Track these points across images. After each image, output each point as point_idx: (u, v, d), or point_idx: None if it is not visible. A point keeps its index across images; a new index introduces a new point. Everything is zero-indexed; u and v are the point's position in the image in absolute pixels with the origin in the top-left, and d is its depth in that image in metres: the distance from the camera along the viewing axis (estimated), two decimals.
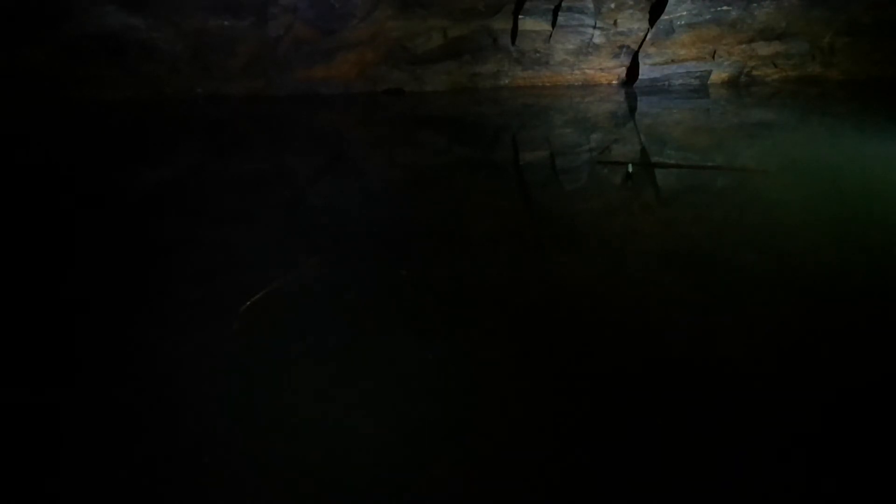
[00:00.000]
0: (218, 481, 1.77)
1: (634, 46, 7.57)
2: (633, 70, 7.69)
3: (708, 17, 7.30)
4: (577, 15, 7.35)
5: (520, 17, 7.37)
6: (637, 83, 7.60)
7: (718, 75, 7.65)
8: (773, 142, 5.41)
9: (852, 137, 5.30)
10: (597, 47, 7.59)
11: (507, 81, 7.82)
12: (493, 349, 2.36)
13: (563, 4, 7.28)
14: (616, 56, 7.69)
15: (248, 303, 2.65)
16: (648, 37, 7.41)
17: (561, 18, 7.36)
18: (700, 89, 7.57)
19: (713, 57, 7.57)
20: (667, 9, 7.19)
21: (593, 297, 2.78)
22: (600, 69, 7.79)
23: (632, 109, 6.95)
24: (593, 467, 1.79)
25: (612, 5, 7.34)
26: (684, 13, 7.27)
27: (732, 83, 7.69)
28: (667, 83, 7.60)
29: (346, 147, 6.05)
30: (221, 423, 2.00)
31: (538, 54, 7.65)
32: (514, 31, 7.47)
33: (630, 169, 4.43)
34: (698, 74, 7.62)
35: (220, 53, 7.13)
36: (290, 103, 7.25)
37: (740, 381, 2.15)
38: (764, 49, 7.56)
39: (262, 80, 7.34)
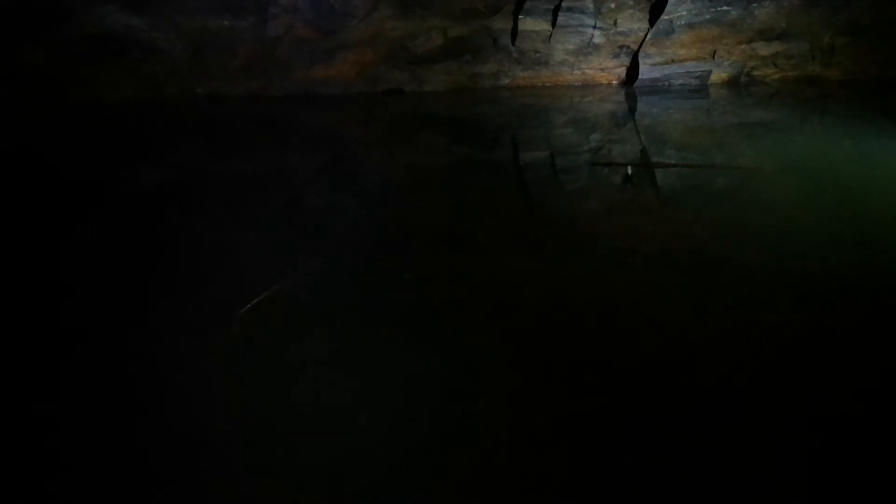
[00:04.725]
0: (218, 484, 1.77)
1: (634, 46, 7.57)
2: (633, 70, 7.68)
3: (708, 17, 7.30)
4: (577, 15, 7.35)
5: (520, 17, 7.36)
6: (637, 83, 7.60)
7: (718, 75, 7.65)
8: (772, 142, 5.41)
9: (852, 137, 5.30)
10: (597, 47, 7.59)
11: (507, 81, 7.81)
12: (494, 349, 2.37)
13: (563, 4, 7.28)
14: (616, 56, 7.69)
15: (249, 305, 2.65)
16: (648, 37, 7.40)
17: (561, 18, 7.35)
18: (700, 89, 7.57)
19: (713, 57, 7.56)
20: (667, 9, 7.19)
21: (594, 296, 2.78)
22: (600, 69, 7.79)
23: (631, 109, 6.95)
24: (594, 467, 1.79)
25: (612, 5, 7.34)
26: (684, 13, 7.27)
27: (732, 83, 7.69)
28: (667, 83, 7.60)
29: (346, 147, 6.05)
30: (222, 425, 2.00)
31: (538, 54, 7.64)
32: (514, 31, 7.47)
33: (629, 171, 4.44)
34: (698, 74, 7.62)
35: (220, 53, 7.13)
36: (290, 103, 7.25)
37: (740, 381, 2.15)
38: (764, 49, 7.56)
39: (262, 80, 7.34)
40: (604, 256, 3.19)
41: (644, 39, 7.45)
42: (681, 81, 7.62)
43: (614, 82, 7.86)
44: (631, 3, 7.35)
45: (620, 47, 7.62)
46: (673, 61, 7.56)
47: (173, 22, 6.88)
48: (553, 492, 1.72)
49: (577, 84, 7.85)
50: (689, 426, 1.95)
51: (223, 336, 2.47)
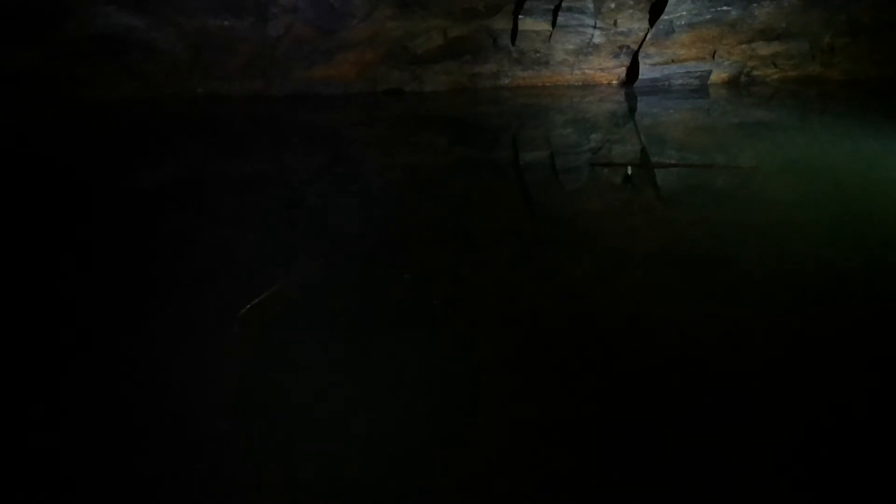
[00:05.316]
0: (217, 485, 1.77)
1: (634, 46, 7.57)
2: (633, 70, 7.68)
3: (708, 17, 7.30)
4: (577, 15, 7.35)
5: (520, 17, 7.36)
6: (637, 83, 7.60)
7: (718, 75, 7.65)
8: (772, 141, 5.41)
9: (852, 137, 5.30)
10: (597, 47, 7.59)
11: (507, 81, 7.81)
12: (494, 350, 2.37)
13: (563, 4, 7.27)
14: (616, 56, 7.69)
15: (249, 305, 2.65)
16: (648, 37, 7.40)
17: (561, 18, 7.35)
18: (700, 89, 7.57)
19: (713, 57, 7.56)
20: (667, 9, 7.18)
21: (594, 296, 2.79)
22: (600, 69, 7.79)
23: (631, 109, 6.96)
24: (596, 467, 1.79)
25: (612, 5, 7.34)
26: (684, 13, 7.27)
27: (732, 83, 7.69)
28: (667, 83, 7.60)
29: (346, 147, 6.05)
30: (221, 426, 2.00)
31: (538, 54, 7.64)
32: (514, 31, 7.46)
33: (629, 171, 4.44)
34: (698, 74, 7.62)
35: (220, 53, 7.12)
36: (290, 103, 7.24)
37: (740, 382, 2.15)
38: (764, 49, 7.56)
39: (262, 80, 7.34)
40: (604, 256, 3.19)
41: (644, 39, 7.45)
42: (681, 81, 7.61)
43: (614, 82, 7.86)
44: (631, 3, 7.35)
45: (620, 47, 7.62)
46: (673, 61, 7.55)
47: (173, 22, 6.87)
48: (554, 492, 1.72)
49: (577, 84, 7.85)
50: (690, 426, 1.95)
51: (223, 336, 2.47)
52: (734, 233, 3.43)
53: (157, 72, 7.13)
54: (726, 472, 1.77)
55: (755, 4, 7.24)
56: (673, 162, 4.84)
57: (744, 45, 7.53)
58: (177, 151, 5.75)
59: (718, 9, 7.25)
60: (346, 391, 2.15)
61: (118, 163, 5.23)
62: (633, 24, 7.44)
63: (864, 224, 3.51)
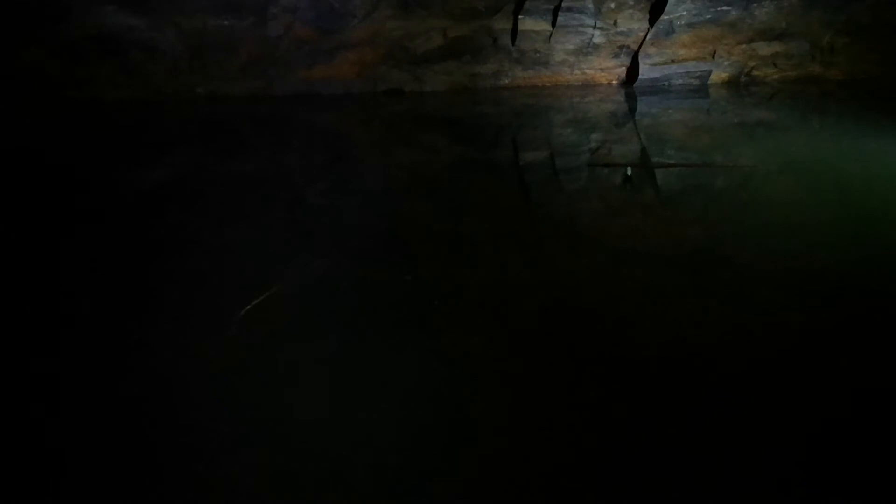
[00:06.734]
0: (215, 486, 1.77)
1: (634, 46, 7.57)
2: (633, 70, 7.69)
3: (708, 17, 7.30)
4: (577, 15, 7.35)
5: (520, 17, 7.36)
6: (637, 83, 7.60)
7: (718, 75, 7.65)
8: (772, 141, 5.41)
9: (852, 137, 5.31)
10: (597, 47, 7.59)
11: (507, 81, 7.81)
12: (495, 350, 2.37)
13: (563, 4, 7.28)
14: (616, 56, 7.69)
15: (249, 306, 2.64)
16: (648, 37, 7.40)
17: (561, 18, 7.35)
18: (700, 89, 7.57)
19: (713, 57, 7.56)
20: (667, 9, 7.19)
21: (594, 296, 2.79)
22: (600, 69, 7.79)
23: (631, 109, 6.96)
24: (595, 468, 1.79)
25: (612, 5, 7.34)
26: (684, 13, 7.27)
27: (732, 83, 7.69)
28: (667, 83, 7.60)
29: (346, 147, 6.05)
30: (220, 427, 2.00)
31: (538, 54, 7.64)
32: (514, 31, 7.47)
33: (629, 171, 4.45)
34: (698, 74, 7.62)
35: (220, 53, 7.13)
36: (290, 103, 7.25)
37: (741, 382, 2.15)
38: (764, 49, 7.56)
39: (262, 80, 7.34)
40: (604, 256, 3.19)
41: (644, 39, 7.45)
42: (681, 81, 7.62)
43: (614, 82, 7.86)
44: (631, 3, 7.35)
45: (620, 47, 7.62)
46: (673, 61, 7.55)
47: (173, 22, 6.88)
48: (555, 493, 1.72)
49: (577, 84, 7.85)
50: (690, 426, 1.95)
51: (223, 337, 2.47)
52: (734, 233, 3.43)
53: (157, 72, 7.14)
54: (727, 473, 1.77)
55: (755, 4, 7.24)
56: (673, 162, 4.85)
57: (744, 45, 7.53)
58: (177, 151, 5.75)
59: (718, 9, 7.25)
60: (346, 391, 2.15)
61: (118, 163, 5.23)
62: (633, 24, 7.44)
63: (864, 224, 3.50)
